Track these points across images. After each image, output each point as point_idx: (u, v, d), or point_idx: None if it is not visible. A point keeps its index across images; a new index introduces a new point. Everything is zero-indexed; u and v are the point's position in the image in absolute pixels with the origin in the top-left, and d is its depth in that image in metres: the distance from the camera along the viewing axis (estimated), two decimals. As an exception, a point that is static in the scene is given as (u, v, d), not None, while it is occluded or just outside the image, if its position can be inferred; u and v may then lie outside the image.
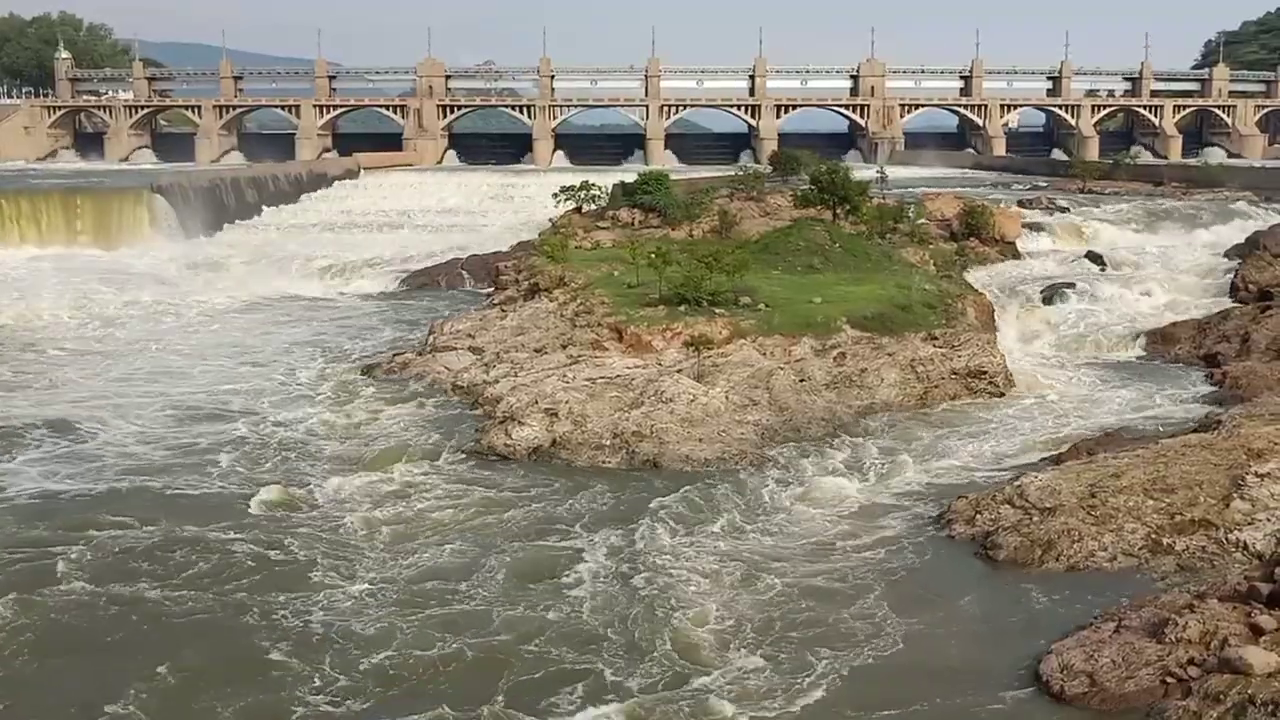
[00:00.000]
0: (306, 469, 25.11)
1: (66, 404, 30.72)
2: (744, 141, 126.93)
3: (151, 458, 25.96)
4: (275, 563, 19.71)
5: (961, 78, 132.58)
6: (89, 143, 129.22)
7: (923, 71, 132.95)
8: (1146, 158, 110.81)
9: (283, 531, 21.17)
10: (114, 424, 28.52)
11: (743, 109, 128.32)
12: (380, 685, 15.60)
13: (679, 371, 29.80)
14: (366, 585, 18.80)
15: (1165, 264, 49.52)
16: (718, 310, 33.65)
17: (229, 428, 28.45)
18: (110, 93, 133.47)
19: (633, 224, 53.50)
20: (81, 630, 17.19)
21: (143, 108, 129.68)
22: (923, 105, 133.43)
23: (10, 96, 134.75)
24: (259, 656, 16.34)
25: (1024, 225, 54.72)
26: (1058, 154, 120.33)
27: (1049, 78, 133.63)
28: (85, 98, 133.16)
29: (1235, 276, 44.59)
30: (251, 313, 47.43)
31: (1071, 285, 45.07)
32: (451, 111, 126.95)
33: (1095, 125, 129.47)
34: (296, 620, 17.45)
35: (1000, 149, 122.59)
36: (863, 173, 61.96)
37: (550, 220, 56.28)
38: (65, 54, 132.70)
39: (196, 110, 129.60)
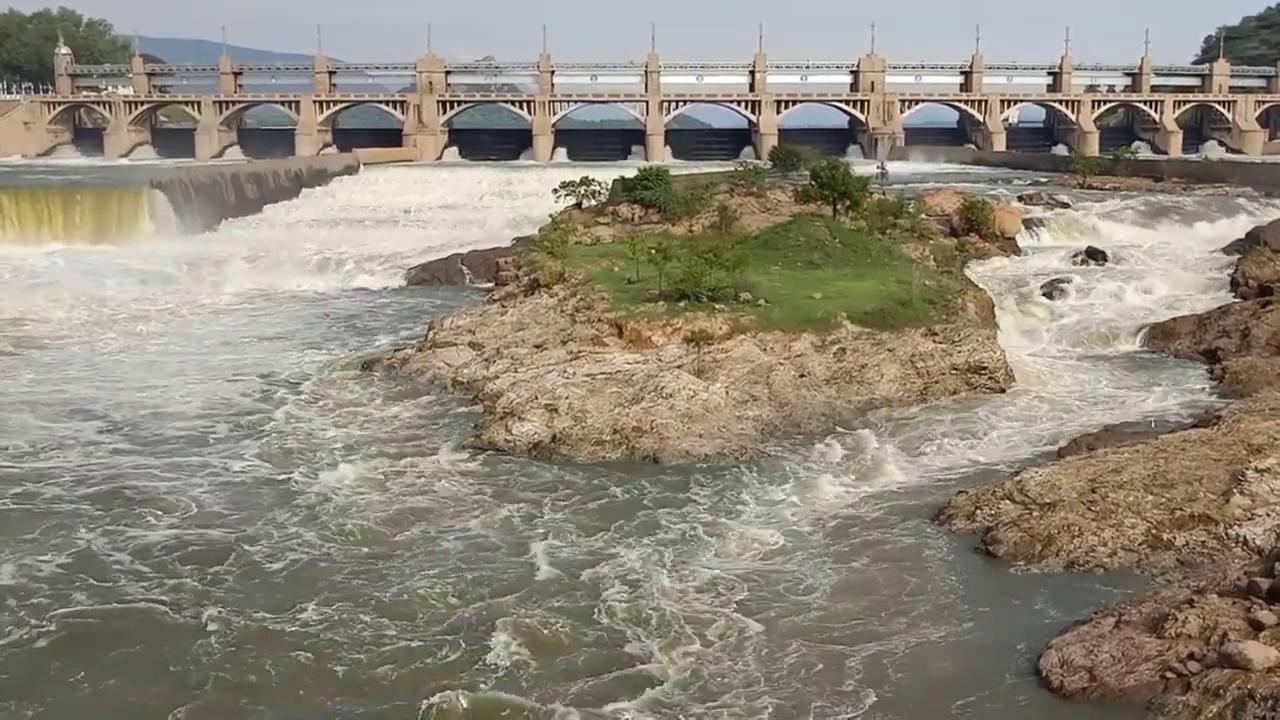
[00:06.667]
0: (306, 465, 25.08)
1: (58, 407, 30.71)
2: (744, 137, 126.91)
3: (151, 441, 26.05)
4: (271, 555, 19.72)
5: (962, 73, 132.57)
6: (89, 138, 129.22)
7: (923, 67, 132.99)
8: (1147, 153, 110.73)
9: (279, 526, 21.19)
10: (107, 427, 28.48)
11: (743, 104, 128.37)
12: (374, 679, 15.62)
13: (679, 367, 29.80)
14: (366, 582, 18.80)
15: (1165, 259, 49.53)
16: (718, 306, 33.62)
17: (228, 424, 28.47)
18: (110, 88, 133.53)
19: (633, 219, 53.45)
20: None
21: (142, 103, 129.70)
22: (923, 101, 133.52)
23: (10, 92, 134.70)
24: (257, 646, 16.40)
25: (1024, 221, 54.77)
26: (1058, 150, 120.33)
27: (1049, 73, 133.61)
28: (85, 93, 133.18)
29: (1235, 271, 44.60)
30: (251, 309, 47.43)
31: (1071, 280, 45.09)
32: (451, 107, 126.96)
33: (1095, 121, 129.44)
34: (288, 610, 17.47)
35: (1000, 144, 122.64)
36: (863, 168, 62.03)
37: (550, 216, 56.15)
38: (65, 50, 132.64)
39: (196, 106, 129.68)
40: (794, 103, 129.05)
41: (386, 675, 15.72)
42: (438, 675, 15.70)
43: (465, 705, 14.78)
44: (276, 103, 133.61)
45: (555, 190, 57.99)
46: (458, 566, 19.34)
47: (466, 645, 16.47)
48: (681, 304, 33.77)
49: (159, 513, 21.82)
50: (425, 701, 14.80)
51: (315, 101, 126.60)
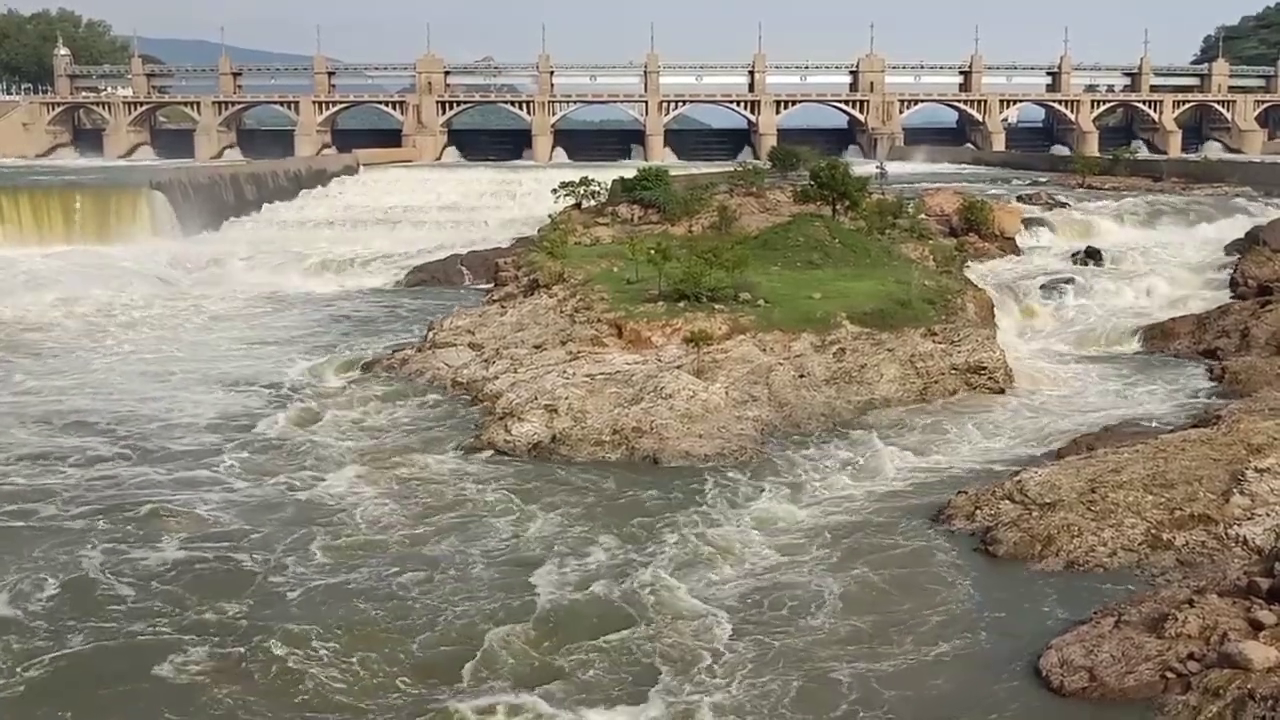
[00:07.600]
0: (306, 466, 25.09)
1: (55, 416, 30.52)
2: (743, 137, 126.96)
3: (149, 452, 26.06)
4: (276, 578, 19.51)
5: (961, 73, 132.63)
6: (88, 139, 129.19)
7: (922, 67, 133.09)
8: (1146, 153, 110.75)
9: (281, 544, 20.96)
10: (105, 439, 28.31)
11: (742, 105, 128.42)
12: (368, 677, 15.66)
13: (678, 367, 29.81)
14: (366, 581, 18.81)
15: (1165, 259, 49.52)
16: (717, 306, 33.62)
17: (227, 430, 28.45)
18: (109, 89, 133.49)
19: (632, 220, 53.44)
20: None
21: (142, 104, 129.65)
22: (922, 101, 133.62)
23: (9, 93, 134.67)
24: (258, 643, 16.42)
25: (1023, 221, 54.71)
26: (1057, 149, 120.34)
27: (1048, 73, 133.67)
28: (84, 94, 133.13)
29: (1235, 271, 44.61)
30: (250, 310, 47.38)
31: (1071, 280, 45.12)
32: (451, 108, 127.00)
33: (1095, 120, 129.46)
34: (292, 613, 17.44)
35: (1000, 144, 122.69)
36: (862, 168, 62.01)
37: (550, 216, 56.18)
38: (64, 50, 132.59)
39: (195, 107, 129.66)
40: (793, 103, 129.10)
41: (390, 699, 15.45)
42: (439, 692, 15.52)
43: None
44: (275, 103, 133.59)
45: (554, 191, 57.98)
46: (459, 576, 19.17)
47: (463, 661, 16.22)
48: (681, 304, 33.77)
49: (159, 532, 21.10)
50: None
51: (314, 102, 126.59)
